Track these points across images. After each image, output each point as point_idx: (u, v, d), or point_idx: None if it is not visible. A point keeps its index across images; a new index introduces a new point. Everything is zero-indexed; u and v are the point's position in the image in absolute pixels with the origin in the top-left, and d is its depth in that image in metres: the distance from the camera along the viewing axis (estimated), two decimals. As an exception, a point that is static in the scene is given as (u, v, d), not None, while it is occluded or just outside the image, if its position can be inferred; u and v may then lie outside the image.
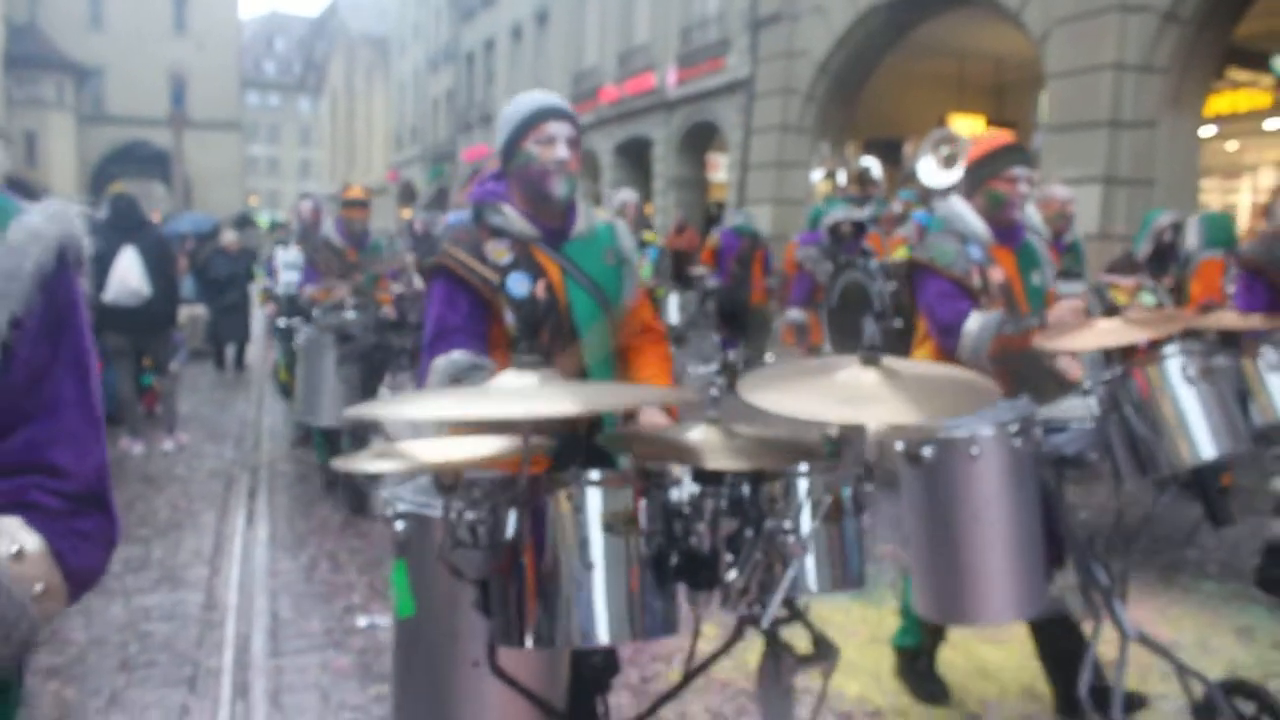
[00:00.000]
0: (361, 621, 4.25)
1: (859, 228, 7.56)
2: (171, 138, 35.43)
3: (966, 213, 3.39)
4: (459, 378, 2.42)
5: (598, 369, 2.60)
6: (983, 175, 3.36)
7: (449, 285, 2.54)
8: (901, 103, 16.40)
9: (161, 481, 6.89)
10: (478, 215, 2.60)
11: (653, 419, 2.54)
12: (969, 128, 16.13)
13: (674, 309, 9.94)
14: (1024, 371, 3.22)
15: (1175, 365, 2.74)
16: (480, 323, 2.53)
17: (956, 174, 10.51)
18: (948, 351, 3.28)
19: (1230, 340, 3.85)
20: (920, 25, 14.30)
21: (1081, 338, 2.87)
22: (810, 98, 15.42)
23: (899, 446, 2.72)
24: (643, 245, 8.38)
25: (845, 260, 6.90)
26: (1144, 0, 10.20)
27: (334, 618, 4.34)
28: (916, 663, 3.57)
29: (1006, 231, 3.39)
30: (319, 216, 7.74)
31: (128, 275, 7.34)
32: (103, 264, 7.25)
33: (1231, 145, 15.20)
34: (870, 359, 1.96)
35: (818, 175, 11.20)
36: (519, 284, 2.51)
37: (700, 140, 19.29)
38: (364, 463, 1.96)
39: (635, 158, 21.11)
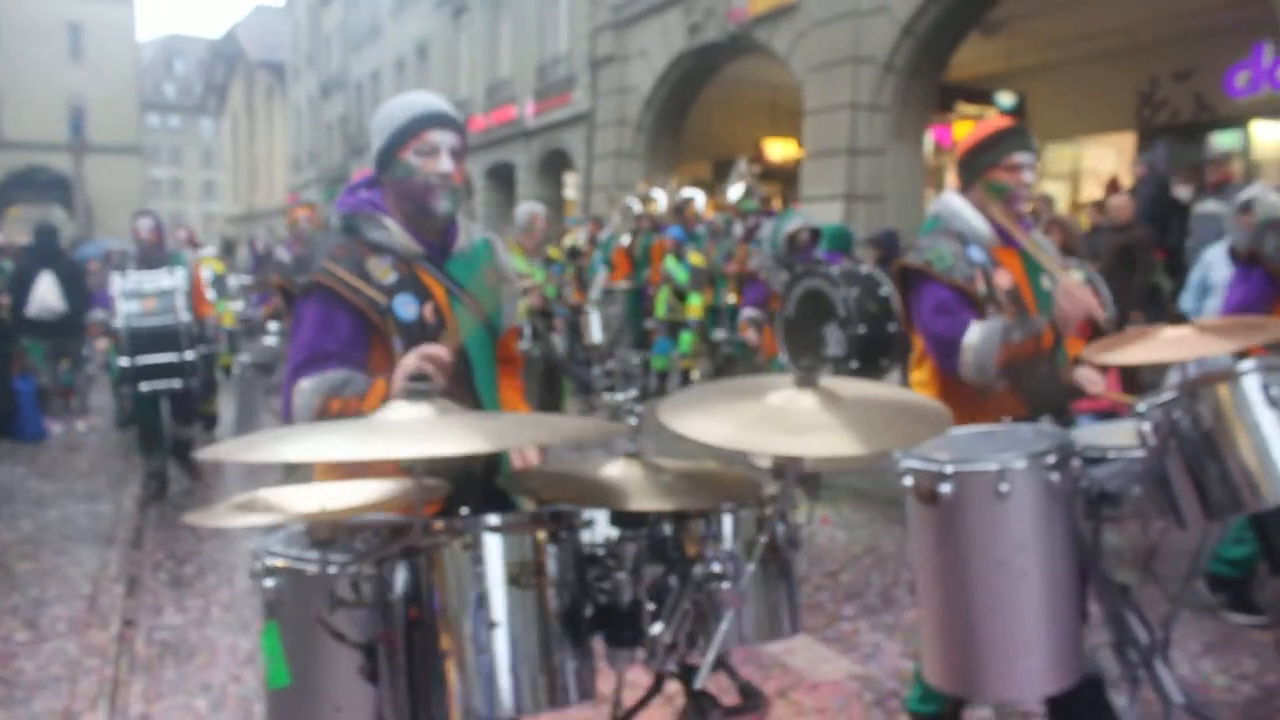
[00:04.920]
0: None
1: (815, 235, 7.46)
2: (71, 163, 36.28)
3: (964, 209, 2.93)
4: (332, 395, 2.14)
5: (489, 398, 2.39)
6: (981, 164, 2.90)
7: (325, 307, 2.24)
8: (722, 129, 18.90)
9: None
10: (351, 228, 2.33)
11: (526, 454, 2.33)
12: (781, 150, 18.78)
13: (596, 326, 9.70)
14: (1033, 388, 2.82)
15: (1254, 384, 2.27)
16: (360, 349, 2.24)
17: (741, 189, 12.80)
18: (949, 372, 2.83)
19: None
20: (726, 66, 16.84)
21: (1145, 348, 2.40)
22: (640, 128, 17.91)
23: (907, 482, 2.32)
24: (549, 262, 8.19)
25: (803, 268, 6.72)
26: (870, 54, 12.82)
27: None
28: None
29: (1009, 230, 2.93)
30: (160, 237, 7.08)
31: (47, 296, 9.37)
32: (25, 283, 9.30)
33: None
34: (807, 380, 1.81)
35: (737, 191, 12.61)
36: (406, 306, 2.25)
37: (555, 164, 21.64)
38: (223, 517, 1.74)
39: (503, 180, 23.42)
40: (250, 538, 1.94)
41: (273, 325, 6.94)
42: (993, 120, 3.12)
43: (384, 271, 2.27)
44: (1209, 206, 8.73)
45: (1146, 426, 2.32)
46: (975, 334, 2.76)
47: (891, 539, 5.71)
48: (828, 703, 3.71)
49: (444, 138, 2.29)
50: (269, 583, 1.82)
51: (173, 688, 3.95)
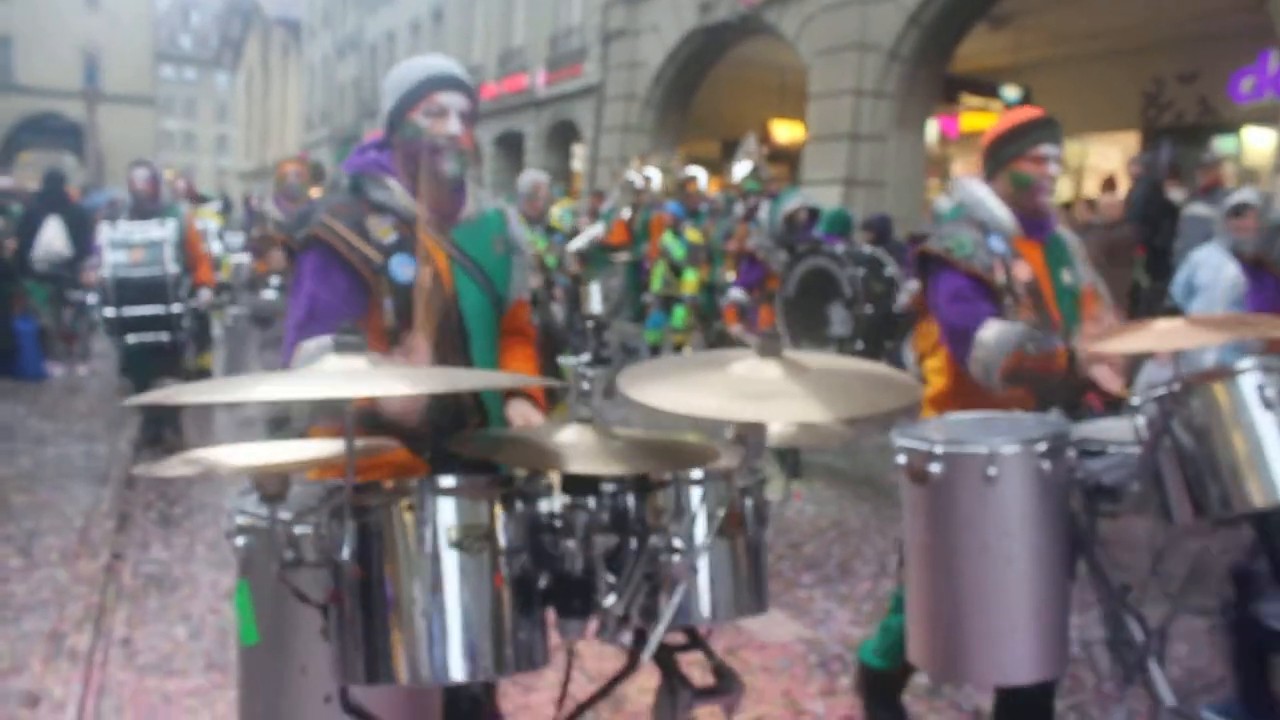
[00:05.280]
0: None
1: (813, 215, 7.36)
2: (84, 111, 36.35)
3: (988, 198, 2.93)
4: None
5: (486, 368, 2.38)
6: (1006, 155, 2.91)
7: (324, 260, 2.25)
8: (730, 108, 19.00)
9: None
10: (357, 187, 2.33)
11: (521, 413, 2.33)
12: (788, 132, 18.87)
13: (596, 297, 9.59)
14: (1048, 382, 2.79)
15: (1251, 383, 2.23)
16: (359, 307, 2.24)
17: (747, 168, 12.92)
18: (959, 360, 2.83)
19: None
20: (736, 46, 16.92)
21: (1134, 339, 2.36)
22: (649, 103, 18.01)
23: (900, 460, 2.34)
24: (550, 232, 8.11)
25: (806, 247, 6.59)
26: (875, 41, 12.92)
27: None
28: (880, 683, 3.17)
29: (1034, 222, 2.94)
30: (155, 188, 6.92)
31: (53, 241, 9.56)
32: (32, 228, 9.49)
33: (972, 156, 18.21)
34: (770, 349, 1.78)
35: (742, 169, 12.59)
36: (402, 267, 2.24)
37: (564, 136, 21.74)
38: (171, 468, 1.74)
39: (512, 149, 23.53)
40: (239, 483, 1.95)
41: (273, 280, 6.86)
42: (1020, 110, 3.06)
43: (384, 231, 2.27)
44: (1197, 209, 8.88)
45: (1140, 420, 2.28)
46: (991, 332, 2.74)
47: (858, 516, 5.91)
48: (773, 662, 3.91)
49: (453, 100, 2.29)
50: (240, 541, 1.85)
51: (155, 616, 4.17)
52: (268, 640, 1.85)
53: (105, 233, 6.62)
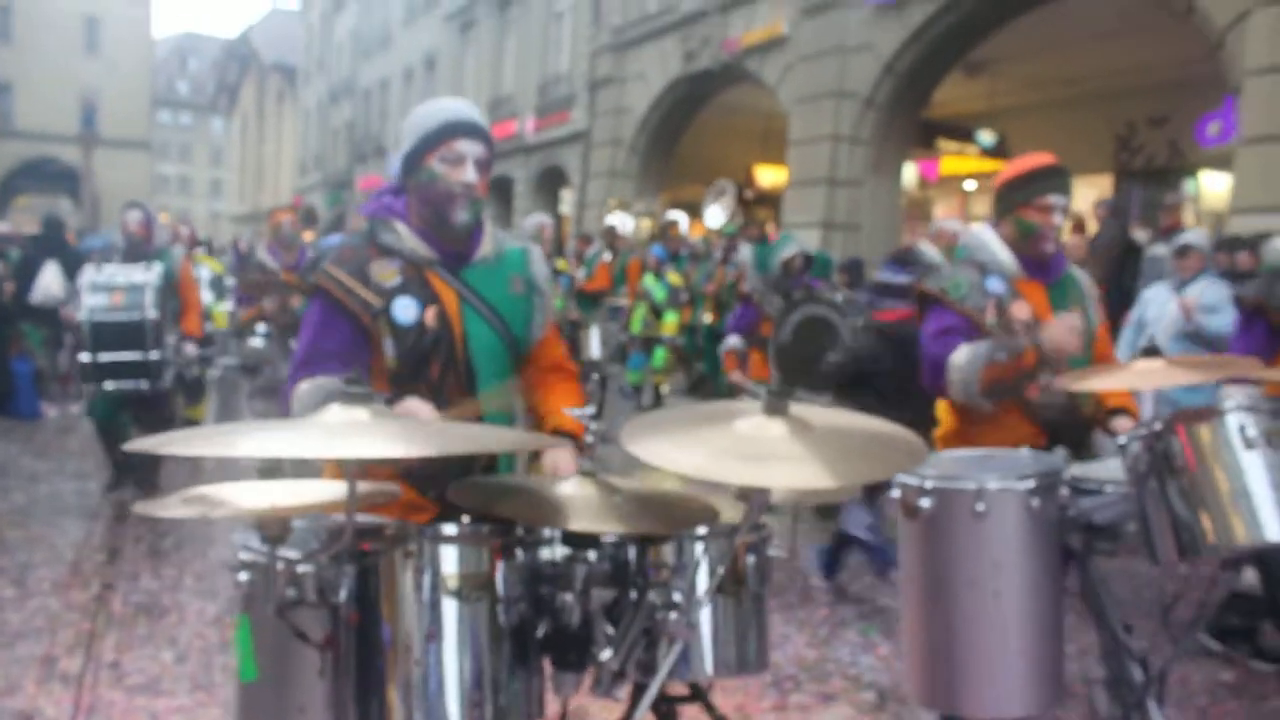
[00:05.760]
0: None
1: (808, 261, 7.50)
2: (81, 155, 36.66)
3: (992, 241, 3.02)
4: (327, 402, 2.01)
5: (495, 416, 2.32)
6: (1014, 201, 2.98)
7: (326, 308, 2.29)
8: (715, 154, 19.41)
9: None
10: (370, 232, 2.36)
11: (559, 461, 2.27)
12: (772, 176, 19.27)
13: (596, 342, 9.63)
14: (1054, 416, 2.87)
15: (1234, 423, 2.22)
16: (360, 351, 2.26)
17: (725, 215, 13.33)
18: (939, 391, 2.95)
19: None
20: (720, 92, 17.34)
21: (1115, 378, 2.50)
22: (634, 149, 18.43)
23: (893, 494, 2.38)
24: (556, 274, 8.20)
25: (802, 295, 6.64)
26: (852, 89, 13.33)
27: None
28: None
29: (1038, 264, 3.00)
30: (148, 231, 6.70)
31: (51, 284, 9.80)
32: (30, 272, 9.75)
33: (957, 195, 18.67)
34: (776, 407, 1.75)
35: (718, 217, 12.53)
36: (405, 309, 2.25)
37: (553, 181, 22.18)
38: (171, 509, 1.73)
39: (502, 194, 23.92)
40: (228, 519, 1.91)
41: (259, 328, 6.70)
42: (1033, 157, 3.09)
43: (388, 274, 2.28)
44: (1158, 250, 9.20)
45: (1127, 459, 2.30)
46: (962, 355, 2.85)
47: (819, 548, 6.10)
48: (727, 680, 4.12)
49: (471, 147, 2.28)
50: (242, 576, 1.84)
51: (143, 641, 4.38)
52: (266, 677, 1.83)
53: (88, 275, 6.35)
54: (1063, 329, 2.77)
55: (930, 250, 5.82)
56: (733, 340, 7.56)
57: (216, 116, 66.14)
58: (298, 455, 1.50)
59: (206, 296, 9.08)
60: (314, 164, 40.60)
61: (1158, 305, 6.35)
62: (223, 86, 55.97)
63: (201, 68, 73.66)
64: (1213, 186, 14.22)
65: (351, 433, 1.59)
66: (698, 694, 1.99)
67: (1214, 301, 6.04)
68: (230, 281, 11.74)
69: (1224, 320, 5.94)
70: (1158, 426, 2.27)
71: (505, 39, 24.13)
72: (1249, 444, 2.20)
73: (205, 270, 9.95)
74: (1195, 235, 6.67)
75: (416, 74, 29.69)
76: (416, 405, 2.13)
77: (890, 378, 4.98)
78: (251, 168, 51.19)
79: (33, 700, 3.76)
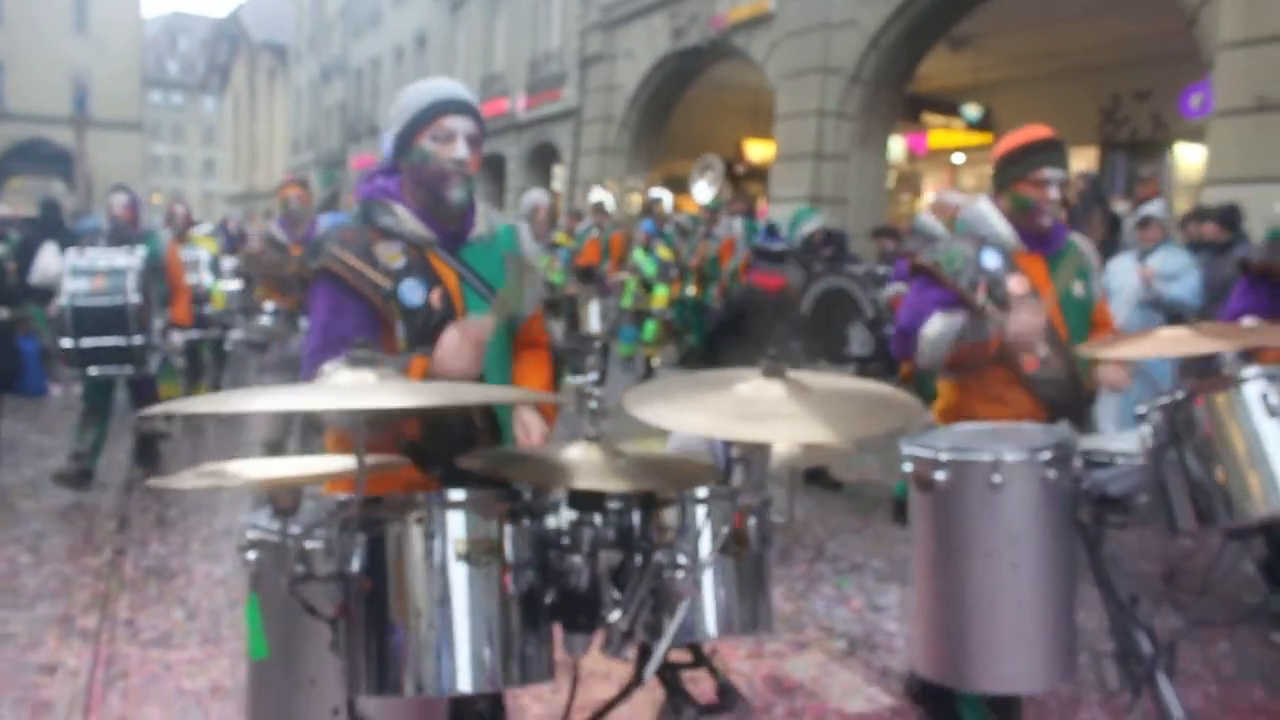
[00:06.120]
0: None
1: (828, 235, 7.52)
2: (73, 137, 36.61)
3: (990, 214, 3.01)
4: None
5: (498, 383, 2.39)
6: (1010, 176, 2.98)
7: (336, 291, 2.29)
8: (706, 129, 19.57)
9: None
10: (366, 214, 2.35)
11: (524, 423, 2.38)
12: (762, 151, 19.45)
13: (595, 316, 9.55)
14: (1054, 392, 2.89)
15: (1254, 392, 2.23)
16: (372, 332, 2.25)
17: (713, 191, 13.53)
18: (901, 355, 3.02)
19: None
20: (709, 68, 17.49)
21: (1140, 346, 2.48)
22: (625, 125, 18.59)
23: (907, 468, 2.39)
24: (554, 247, 8.18)
25: (824, 267, 6.70)
26: (838, 65, 13.51)
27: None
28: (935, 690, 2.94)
29: (1038, 237, 2.98)
30: (134, 214, 6.71)
31: (49, 265, 9.97)
32: (29, 254, 9.93)
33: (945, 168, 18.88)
34: (774, 370, 1.79)
35: (705, 193, 12.38)
36: (413, 291, 2.27)
37: (544, 158, 22.33)
38: (185, 481, 1.79)
39: (494, 171, 24.07)
40: (236, 491, 2.10)
41: (268, 305, 6.65)
42: (1029, 130, 3.05)
43: (392, 256, 2.28)
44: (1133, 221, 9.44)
45: (1146, 429, 2.30)
46: (933, 327, 2.89)
47: (803, 507, 6.30)
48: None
49: (461, 124, 2.28)
50: (251, 555, 1.88)
51: (154, 600, 4.63)
52: (277, 653, 1.88)
53: (70, 259, 6.19)
54: (1024, 319, 2.75)
55: (932, 221, 5.92)
56: None
57: (208, 96, 65.82)
58: (308, 409, 1.57)
59: (206, 278, 9.20)
60: (307, 143, 40.60)
61: (1121, 275, 6.59)
62: (213, 66, 55.75)
63: (191, 47, 73.43)
64: (1191, 159, 14.43)
65: (360, 391, 1.64)
66: (700, 658, 2.03)
67: (1174, 270, 6.28)
68: (229, 263, 11.88)
69: (1183, 288, 6.19)
70: (1178, 396, 2.27)
71: (496, 17, 24.23)
72: (1271, 412, 2.21)
73: (204, 252, 10.04)
74: (1155, 206, 6.91)
75: (407, 53, 29.76)
76: (475, 323, 2.21)
77: (750, 336, 5.55)
78: (245, 147, 51.11)
79: (55, 654, 4.02)
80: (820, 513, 6.22)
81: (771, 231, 6.46)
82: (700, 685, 2.06)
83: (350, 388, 1.67)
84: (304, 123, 41.28)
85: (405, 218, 2.32)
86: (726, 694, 2.01)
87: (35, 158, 41.15)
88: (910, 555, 2.54)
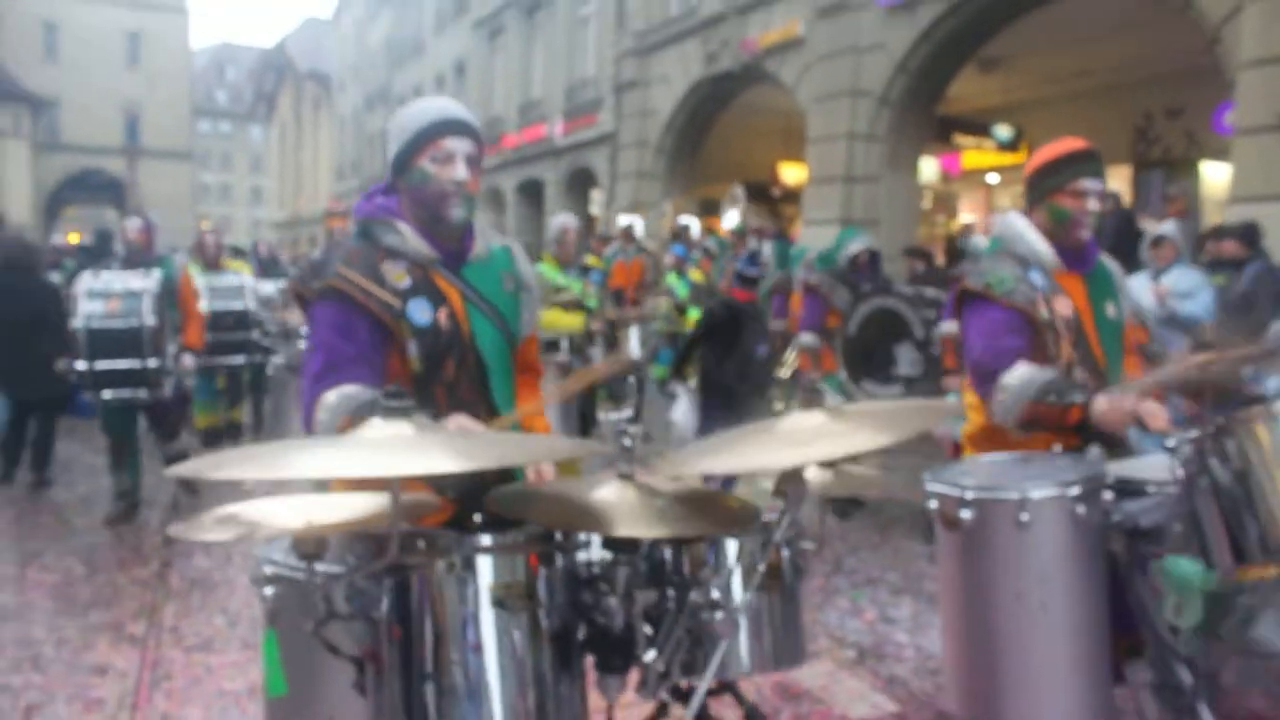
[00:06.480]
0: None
1: (873, 256, 7.49)
2: (125, 166, 37.63)
3: (1028, 231, 2.86)
4: (355, 415, 2.03)
5: (506, 406, 2.36)
6: (1046, 188, 2.84)
7: (343, 311, 2.23)
8: (740, 153, 19.78)
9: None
10: (367, 233, 2.32)
11: (542, 471, 2.25)
12: (795, 174, 19.62)
13: (635, 342, 9.47)
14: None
15: None
16: (379, 353, 2.23)
17: (737, 218, 13.82)
18: (983, 397, 2.79)
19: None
20: (742, 93, 17.72)
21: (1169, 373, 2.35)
22: (660, 149, 18.87)
23: (932, 505, 2.32)
24: (586, 270, 8.22)
25: (872, 287, 6.69)
26: (867, 88, 13.68)
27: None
28: None
29: (1074, 254, 2.85)
30: (149, 239, 6.65)
31: (102, 290, 10.39)
32: (84, 280, 10.34)
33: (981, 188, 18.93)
34: (812, 401, 1.82)
35: (732, 220, 13.00)
36: (420, 311, 2.25)
37: (582, 182, 22.68)
38: (206, 530, 1.71)
39: (533, 196, 24.49)
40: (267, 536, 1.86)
41: (303, 330, 6.38)
42: (1064, 142, 2.91)
43: (398, 275, 2.26)
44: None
45: (1176, 462, 2.17)
46: (1016, 377, 2.68)
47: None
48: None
49: (460, 145, 2.27)
50: (268, 591, 1.84)
51: (198, 609, 4.90)
52: (295, 691, 1.84)
53: (85, 281, 6.16)
54: (1118, 415, 2.57)
55: (983, 242, 6.07)
56: (806, 338, 7.43)
57: (255, 125, 67.14)
58: (350, 475, 1.51)
59: (251, 303, 9.38)
60: (351, 170, 41.30)
61: (1135, 293, 6.70)
62: (260, 95, 56.89)
63: (239, 77, 74.89)
64: (1218, 177, 14.41)
65: (399, 448, 1.56)
66: (726, 685, 2.02)
67: (1188, 288, 6.38)
68: (267, 287, 12.10)
69: (1197, 305, 6.29)
70: (1213, 426, 2.16)
71: (533, 45, 24.68)
72: None
73: (248, 278, 10.26)
74: (1168, 227, 7.02)
75: (448, 80, 30.33)
76: (465, 421, 2.11)
77: (724, 340, 6.22)
78: (291, 174, 52.01)
79: (106, 657, 4.29)
80: (840, 528, 6.36)
81: (751, 259, 7.16)
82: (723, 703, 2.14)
83: (389, 443, 1.59)
84: (348, 150, 42.01)
85: (410, 236, 2.30)
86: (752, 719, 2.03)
87: (89, 187, 42.23)
88: (927, 571, 2.61)
